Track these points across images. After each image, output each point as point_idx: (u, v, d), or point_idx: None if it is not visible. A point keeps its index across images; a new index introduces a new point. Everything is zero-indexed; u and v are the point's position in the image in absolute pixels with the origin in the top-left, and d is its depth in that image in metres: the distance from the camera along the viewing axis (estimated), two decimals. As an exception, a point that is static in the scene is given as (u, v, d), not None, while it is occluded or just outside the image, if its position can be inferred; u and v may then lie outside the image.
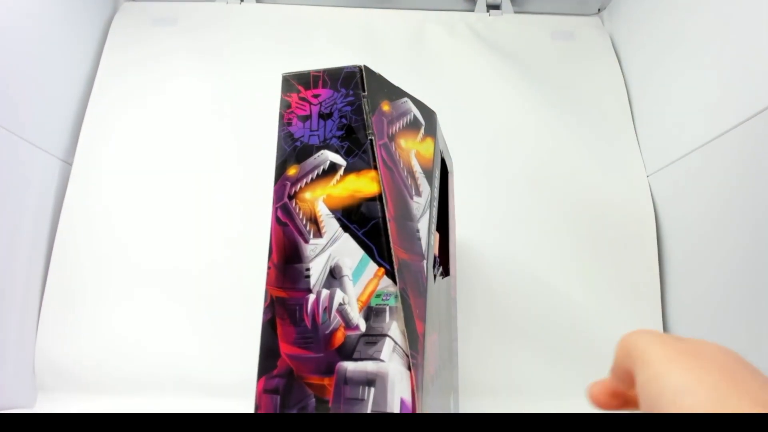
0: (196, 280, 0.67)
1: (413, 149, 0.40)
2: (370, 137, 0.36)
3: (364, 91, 0.37)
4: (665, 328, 0.66)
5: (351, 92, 0.37)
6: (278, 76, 0.38)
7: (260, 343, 0.35)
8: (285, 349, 0.34)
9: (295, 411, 0.32)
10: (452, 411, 0.47)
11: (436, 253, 0.45)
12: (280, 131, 0.38)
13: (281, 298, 0.35)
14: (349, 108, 0.37)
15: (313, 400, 0.32)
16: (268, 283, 0.36)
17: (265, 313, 0.35)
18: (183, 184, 0.71)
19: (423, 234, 0.38)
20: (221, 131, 0.74)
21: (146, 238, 0.68)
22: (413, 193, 0.39)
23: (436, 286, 0.41)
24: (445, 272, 0.49)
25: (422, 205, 0.39)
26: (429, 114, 0.44)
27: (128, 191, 0.70)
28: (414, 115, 0.42)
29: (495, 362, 0.66)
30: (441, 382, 0.41)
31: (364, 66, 0.37)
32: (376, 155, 0.35)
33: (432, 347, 0.38)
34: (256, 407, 0.33)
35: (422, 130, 0.42)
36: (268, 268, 0.36)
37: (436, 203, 0.43)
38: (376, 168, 0.35)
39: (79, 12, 0.75)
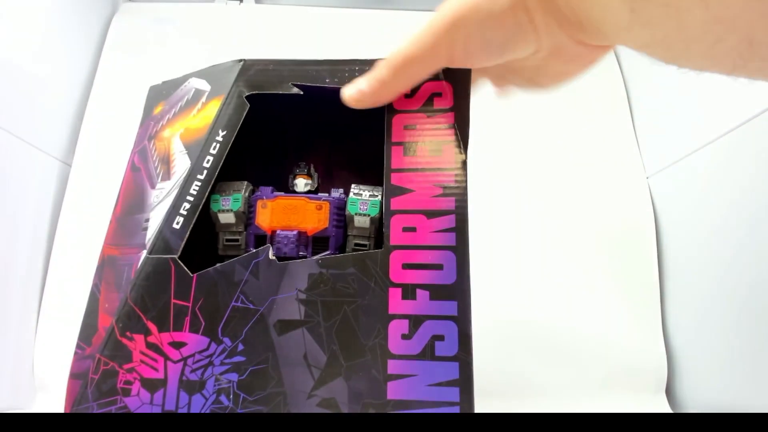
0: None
1: (180, 129, 0.34)
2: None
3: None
4: (664, 329, 0.66)
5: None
6: None
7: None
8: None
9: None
10: None
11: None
12: None
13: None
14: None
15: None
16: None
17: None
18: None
19: (153, 222, 0.31)
20: (221, 132, 0.74)
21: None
22: (157, 181, 0.33)
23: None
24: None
25: (166, 190, 0.32)
26: (224, 72, 0.36)
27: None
28: (194, 91, 0.36)
29: (493, 363, 0.65)
30: None
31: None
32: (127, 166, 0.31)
33: None
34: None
35: (204, 97, 0.36)
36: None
37: (214, 151, 0.32)
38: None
39: (77, 12, 0.75)
